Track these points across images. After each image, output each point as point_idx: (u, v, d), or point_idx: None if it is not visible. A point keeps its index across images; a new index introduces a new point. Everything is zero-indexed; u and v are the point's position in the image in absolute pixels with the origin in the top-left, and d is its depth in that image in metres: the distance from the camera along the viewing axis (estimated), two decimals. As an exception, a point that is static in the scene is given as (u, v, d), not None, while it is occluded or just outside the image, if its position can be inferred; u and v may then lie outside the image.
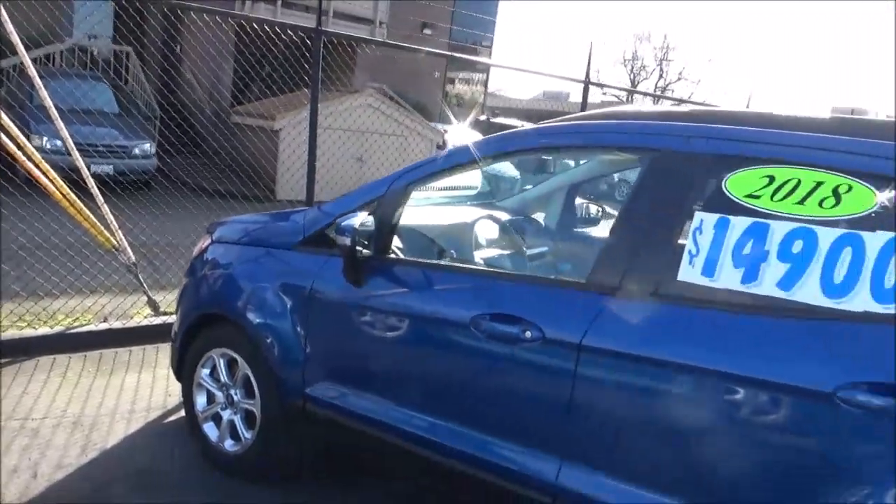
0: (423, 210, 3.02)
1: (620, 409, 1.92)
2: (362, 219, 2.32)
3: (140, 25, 10.19)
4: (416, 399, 2.34)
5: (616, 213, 2.23)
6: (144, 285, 4.47)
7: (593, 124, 2.28)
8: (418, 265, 2.45)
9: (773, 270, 1.75)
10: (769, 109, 2.05)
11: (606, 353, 1.91)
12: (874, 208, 1.68)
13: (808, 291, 1.70)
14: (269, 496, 2.73)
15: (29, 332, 3.95)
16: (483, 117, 17.58)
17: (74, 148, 4.17)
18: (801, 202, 1.76)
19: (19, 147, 3.89)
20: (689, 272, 1.86)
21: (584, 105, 6.79)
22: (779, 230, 1.77)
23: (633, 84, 29.01)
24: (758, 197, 1.82)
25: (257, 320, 2.71)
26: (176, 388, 3.30)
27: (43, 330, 4.02)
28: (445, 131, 12.56)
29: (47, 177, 4.00)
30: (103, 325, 4.19)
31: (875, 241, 1.65)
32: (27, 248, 4.65)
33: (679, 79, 30.15)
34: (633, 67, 30.42)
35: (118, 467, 2.83)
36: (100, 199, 4.23)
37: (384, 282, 2.42)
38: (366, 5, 14.71)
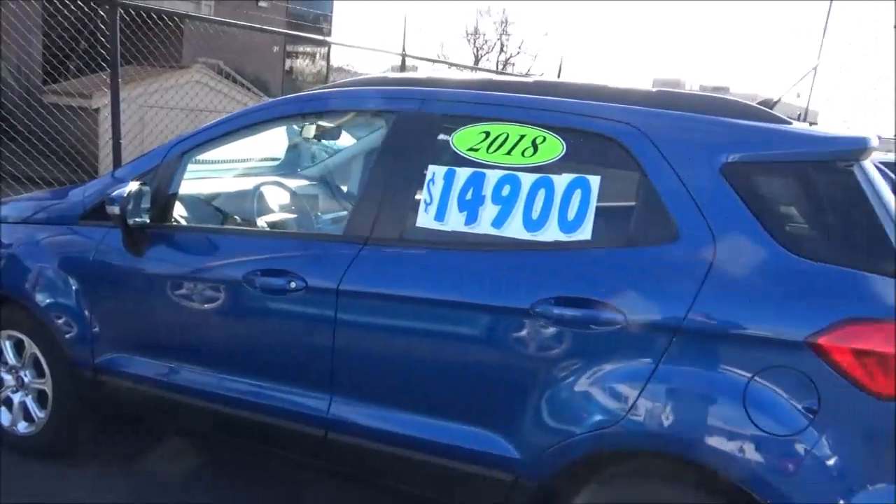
0: (211, 179, 3.10)
1: (374, 342, 2.17)
2: (133, 187, 2.38)
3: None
4: (200, 357, 2.46)
5: None
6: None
7: (346, 91, 2.49)
8: (197, 230, 2.56)
9: (488, 212, 2.06)
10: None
11: (359, 295, 2.15)
12: (561, 155, 2.03)
13: (514, 228, 2.02)
14: (63, 475, 2.74)
15: None
16: None
17: None
18: (509, 153, 2.08)
19: None
20: (425, 219, 2.13)
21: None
22: (492, 178, 2.07)
23: (476, 58, 29.87)
24: (477, 150, 2.12)
25: (42, 298, 2.69)
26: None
27: None
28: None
29: None
30: None
31: (561, 182, 2.00)
32: None
33: (519, 52, 31.42)
34: (475, 42, 31.29)
35: None
36: None
37: (163, 249, 2.49)
38: (192, -23, 14.00)
